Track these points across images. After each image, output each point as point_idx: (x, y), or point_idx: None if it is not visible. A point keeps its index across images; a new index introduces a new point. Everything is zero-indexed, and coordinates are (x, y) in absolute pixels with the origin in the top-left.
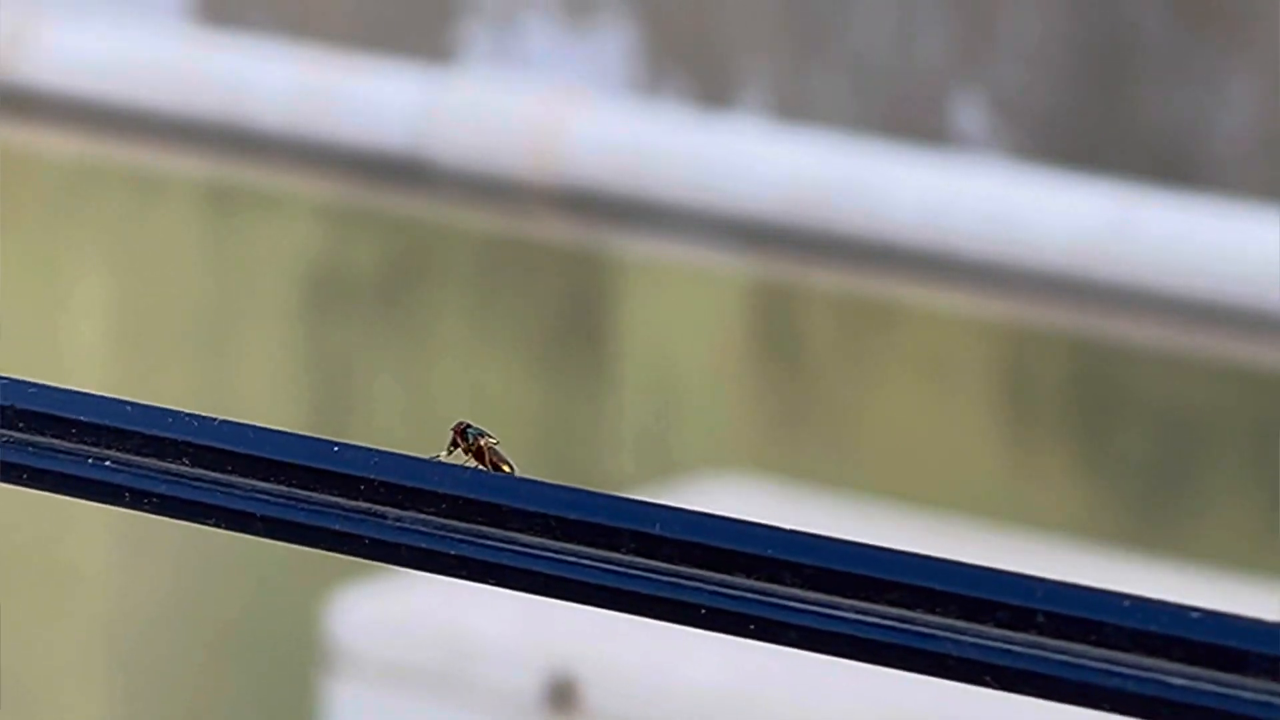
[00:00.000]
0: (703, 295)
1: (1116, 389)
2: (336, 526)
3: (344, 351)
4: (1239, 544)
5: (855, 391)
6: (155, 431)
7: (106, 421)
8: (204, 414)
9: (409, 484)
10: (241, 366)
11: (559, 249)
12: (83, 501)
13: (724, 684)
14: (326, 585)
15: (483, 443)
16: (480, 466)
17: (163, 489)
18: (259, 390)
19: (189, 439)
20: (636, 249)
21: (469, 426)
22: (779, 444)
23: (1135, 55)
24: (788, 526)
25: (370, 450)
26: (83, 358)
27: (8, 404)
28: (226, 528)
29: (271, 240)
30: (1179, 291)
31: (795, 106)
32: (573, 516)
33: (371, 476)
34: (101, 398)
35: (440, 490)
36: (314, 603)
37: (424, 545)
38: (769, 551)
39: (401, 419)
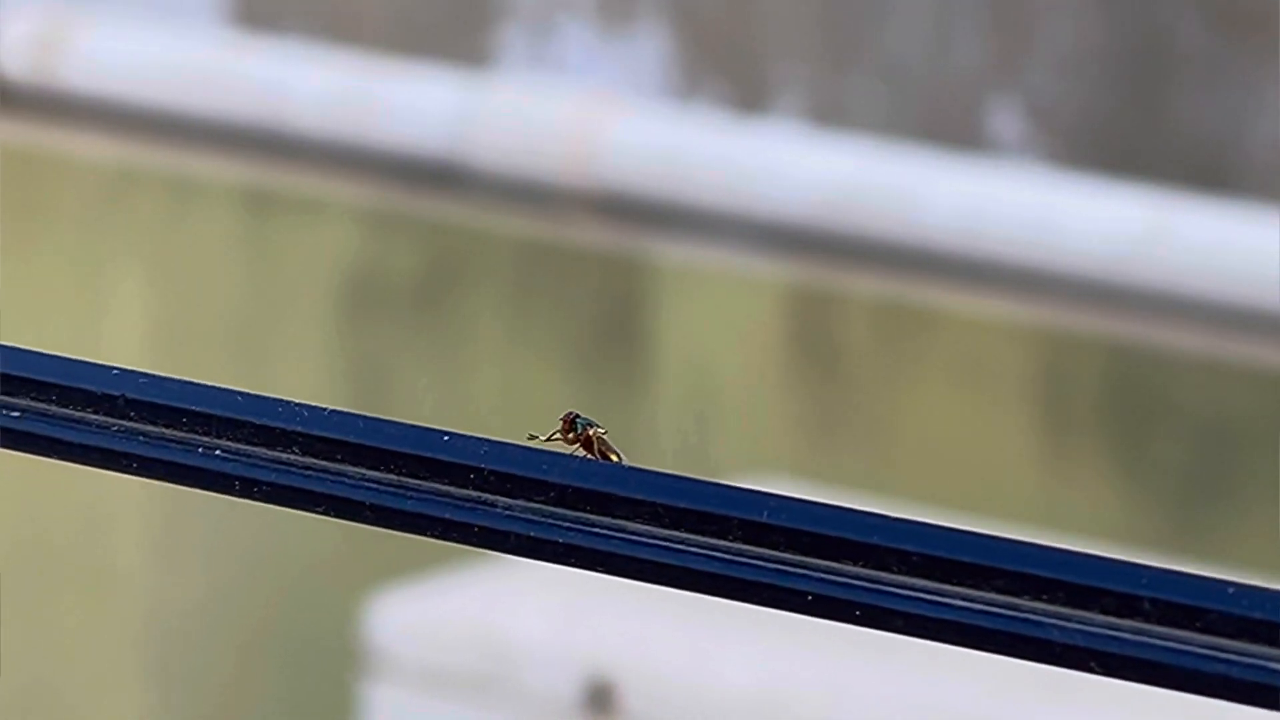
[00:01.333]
0: (739, 300)
1: (1152, 394)
2: (446, 515)
3: (381, 355)
4: (1276, 549)
5: (891, 396)
6: (265, 421)
7: (217, 411)
8: (313, 404)
9: (518, 473)
10: (279, 370)
11: (595, 253)
12: (120, 504)
13: (760, 687)
14: (365, 589)
15: (591, 433)
16: (589, 456)
17: (272, 478)
18: (296, 394)
19: (299, 428)
20: (673, 253)
21: (578, 416)
22: (816, 448)
23: (1171, 62)
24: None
25: (480, 439)
26: (120, 361)
27: (119, 393)
28: (336, 516)
29: (309, 244)
30: (1215, 297)
31: (831, 112)
32: (680, 504)
33: (481, 465)
34: (212, 387)
35: (549, 479)
36: (352, 606)
37: (533, 533)
38: (875, 539)
39: (439, 423)
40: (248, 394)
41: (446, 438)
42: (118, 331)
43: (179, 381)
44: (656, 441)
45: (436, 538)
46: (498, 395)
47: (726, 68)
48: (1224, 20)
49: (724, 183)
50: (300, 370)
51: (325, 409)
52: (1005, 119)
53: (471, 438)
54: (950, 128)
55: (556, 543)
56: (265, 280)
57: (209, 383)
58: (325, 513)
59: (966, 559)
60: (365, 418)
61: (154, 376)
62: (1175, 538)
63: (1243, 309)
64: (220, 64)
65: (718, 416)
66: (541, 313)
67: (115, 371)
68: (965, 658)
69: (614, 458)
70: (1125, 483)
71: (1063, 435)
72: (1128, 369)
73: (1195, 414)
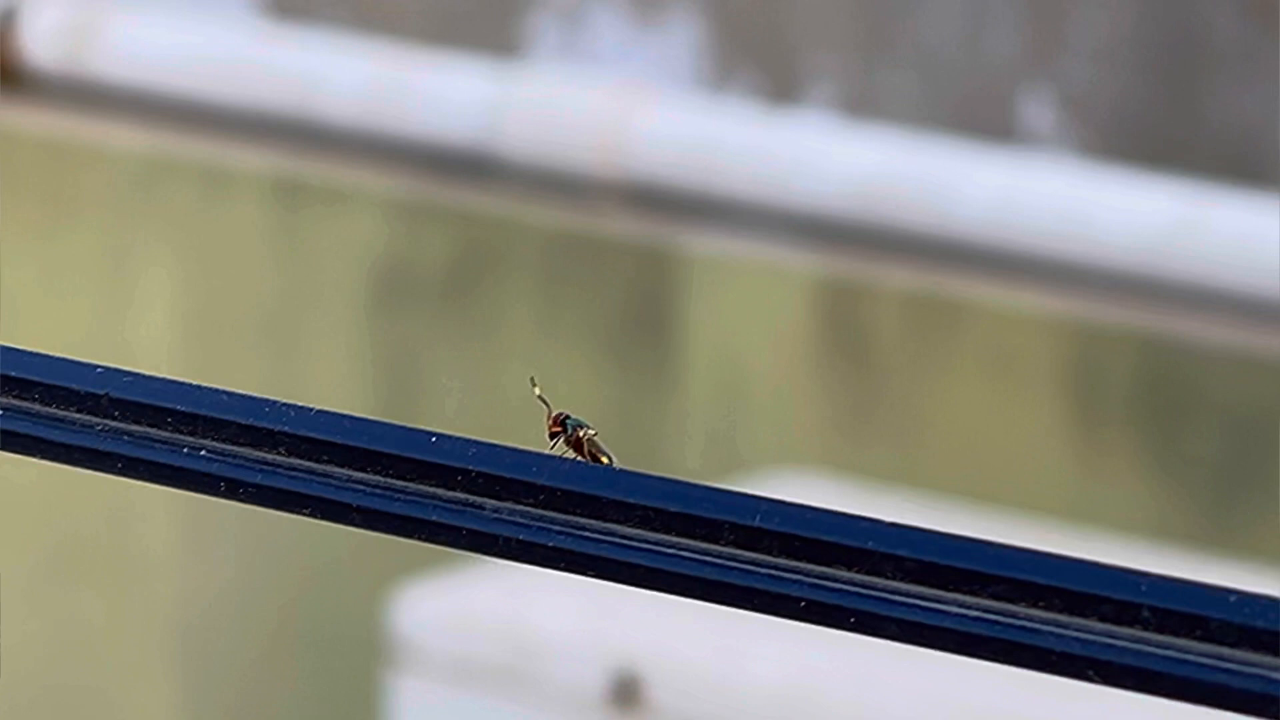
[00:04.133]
0: (769, 291)
1: (1185, 388)
2: (434, 517)
3: (411, 346)
4: None
5: (922, 389)
6: (251, 421)
7: (202, 410)
8: (300, 404)
9: (507, 475)
10: (309, 361)
11: (626, 244)
12: (145, 495)
13: (787, 681)
14: (390, 580)
15: (581, 434)
16: (579, 458)
17: (258, 479)
18: (326, 385)
19: (285, 429)
20: (703, 245)
21: (568, 417)
22: (846, 441)
23: (1204, 53)
24: (888, 519)
25: (468, 441)
26: (150, 351)
27: (103, 392)
28: (323, 518)
29: (340, 234)
30: (1248, 290)
31: (863, 103)
32: (672, 508)
33: (469, 467)
34: (197, 387)
35: (539, 481)
36: (378, 598)
37: (522, 536)
38: (870, 544)
39: (468, 414)
40: (233, 393)
41: (434, 439)
42: (147, 321)
43: (163, 380)
44: (686, 433)
45: (424, 540)
46: (527, 386)
47: (758, 58)
48: (1259, 11)
49: (755, 173)
50: (330, 360)
51: (311, 409)
52: (1038, 110)
53: (459, 439)
54: (982, 118)
55: (546, 546)
56: (296, 270)
57: (190, 381)
58: (311, 514)
59: (962, 565)
60: (352, 418)
61: (138, 375)
62: (1207, 532)
63: (1276, 301)
64: (251, 54)
65: (748, 409)
66: (571, 303)
67: (99, 370)
68: None
69: (604, 460)
70: (1157, 476)
71: (1094, 428)
72: (1160, 361)
73: (1228, 407)
